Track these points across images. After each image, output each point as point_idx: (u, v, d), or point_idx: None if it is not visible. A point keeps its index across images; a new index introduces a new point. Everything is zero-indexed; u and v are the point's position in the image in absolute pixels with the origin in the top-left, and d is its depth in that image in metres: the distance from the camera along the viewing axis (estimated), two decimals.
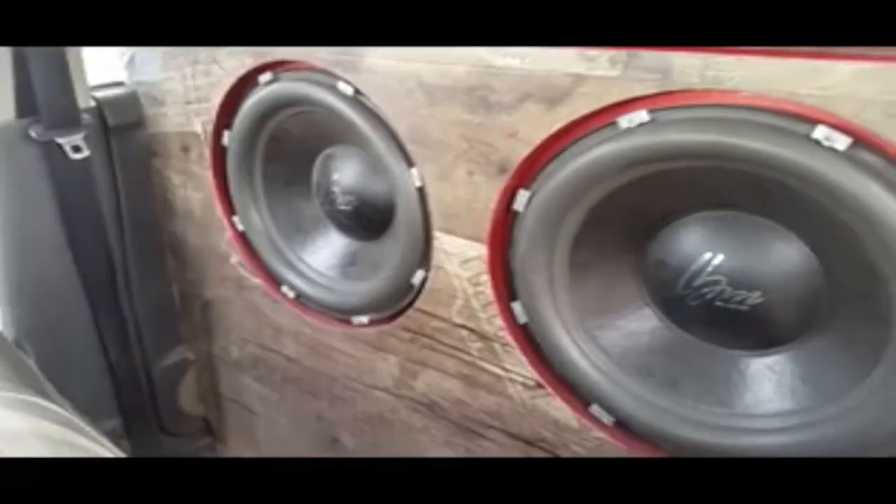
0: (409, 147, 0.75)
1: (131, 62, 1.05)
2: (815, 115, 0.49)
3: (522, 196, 0.67)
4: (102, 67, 1.07)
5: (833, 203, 0.50)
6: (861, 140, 0.48)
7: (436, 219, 0.75)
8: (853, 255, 0.51)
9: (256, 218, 0.99)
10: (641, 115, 0.57)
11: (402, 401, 0.89)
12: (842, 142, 0.48)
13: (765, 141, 0.51)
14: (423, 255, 0.78)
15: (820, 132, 0.48)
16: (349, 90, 0.79)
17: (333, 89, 0.80)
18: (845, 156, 0.48)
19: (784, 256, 0.57)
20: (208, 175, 1.01)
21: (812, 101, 0.48)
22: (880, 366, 0.52)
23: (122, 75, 1.07)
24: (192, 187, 1.06)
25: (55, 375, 0.74)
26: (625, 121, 0.58)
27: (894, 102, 0.45)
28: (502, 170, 0.67)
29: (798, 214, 0.55)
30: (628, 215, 0.64)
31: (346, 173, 0.91)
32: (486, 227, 0.70)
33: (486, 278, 0.72)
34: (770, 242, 0.58)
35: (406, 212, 0.78)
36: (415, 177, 0.76)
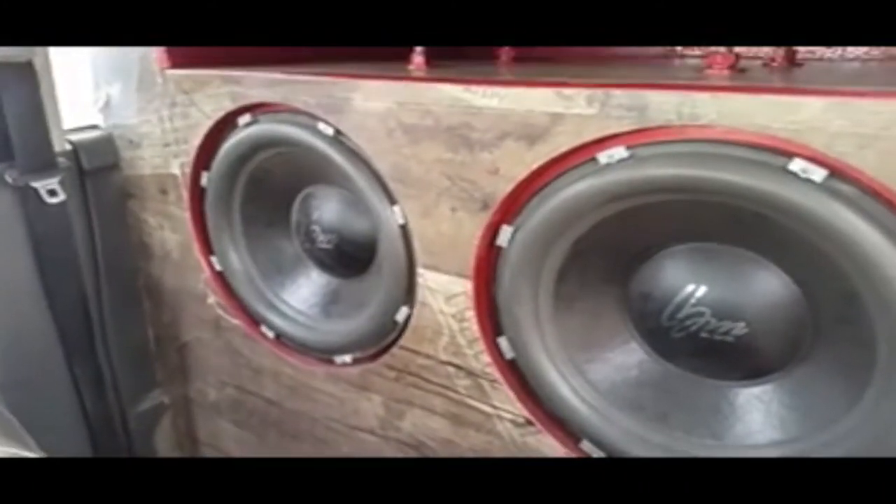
0: (392, 185, 0.76)
1: (107, 105, 1.04)
2: (791, 147, 0.50)
3: (506, 231, 0.67)
4: (77, 111, 1.06)
5: (811, 233, 0.51)
6: (836, 171, 0.49)
7: (419, 255, 0.75)
8: (833, 282, 0.52)
9: (235, 257, 0.98)
10: (620, 152, 0.58)
11: (388, 442, 0.88)
12: (818, 173, 0.49)
13: (743, 174, 0.52)
14: (407, 291, 0.78)
15: (796, 164, 0.50)
16: (330, 130, 0.79)
17: (314, 130, 0.81)
18: (822, 187, 0.49)
19: (766, 286, 0.58)
20: (186, 216, 1.01)
21: (786, 135, 0.50)
22: (869, 390, 0.53)
23: (97, 118, 1.06)
24: (170, 229, 1.05)
25: (29, 423, 0.73)
26: (604, 157, 0.59)
27: (865, 135, 0.46)
28: (485, 206, 0.68)
29: (777, 245, 0.56)
30: (611, 248, 0.64)
31: (326, 212, 0.91)
32: (470, 262, 0.70)
33: (471, 314, 0.72)
34: (752, 273, 0.59)
35: (389, 249, 0.78)
36: (397, 214, 0.76)
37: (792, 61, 0.83)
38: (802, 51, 0.98)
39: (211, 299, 1.02)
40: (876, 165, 0.47)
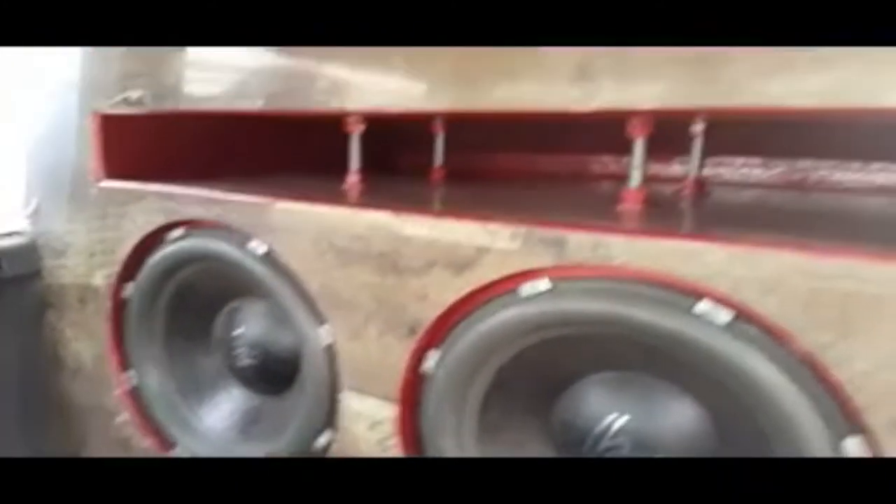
0: (321, 305, 0.76)
1: (36, 212, 1.03)
2: (698, 290, 0.53)
3: (432, 356, 0.68)
4: (4, 216, 1.04)
5: (719, 369, 0.53)
6: (741, 314, 0.52)
7: (345, 378, 0.74)
8: (742, 417, 0.54)
9: (152, 372, 0.95)
10: (542, 284, 0.60)
11: None
12: (723, 316, 0.52)
13: (653, 313, 0.54)
14: (330, 415, 0.77)
15: (703, 306, 0.53)
16: (261, 249, 0.80)
17: (245, 247, 0.81)
18: (727, 328, 0.52)
19: (681, 419, 0.60)
20: (105, 328, 0.98)
21: (693, 279, 0.53)
22: None
23: (23, 225, 1.04)
24: (86, 340, 1.01)
25: None
26: (527, 288, 0.61)
27: (765, 281, 0.50)
28: (412, 331, 0.68)
29: (689, 378, 0.58)
30: (533, 377, 0.65)
31: (251, 328, 0.90)
32: (396, 387, 0.70)
33: (395, 441, 0.71)
34: (667, 405, 0.61)
35: (313, 370, 0.77)
36: (324, 335, 0.76)
37: (701, 190, 0.88)
38: (709, 173, 1.05)
39: (122, 417, 0.98)
40: (777, 311, 0.50)
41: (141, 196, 0.90)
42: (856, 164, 1.00)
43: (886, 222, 0.71)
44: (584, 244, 0.57)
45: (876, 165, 0.99)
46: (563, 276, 0.60)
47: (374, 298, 0.71)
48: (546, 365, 0.64)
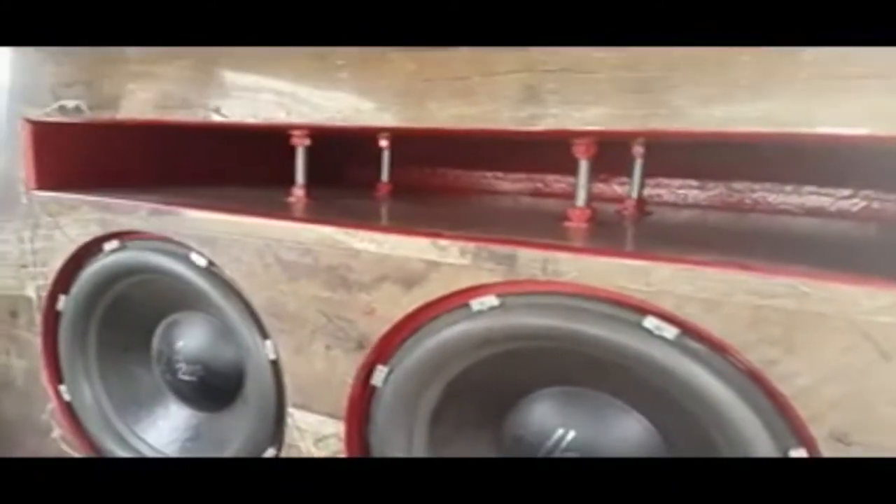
0: (265, 319, 0.74)
1: None
2: (645, 306, 0.54)
3: (381, 371, 0.68)
4: None
5: (666, 383, 0.54)
6: (687, 330, 0.53)
7: (290, 394, 0.73)
8: (689, 430, 0.56)
9: (87, 387, 0.92)
10: (491, 300, 0.61)
11: None
12: (670, 331, 0.53)
13: (601, 328, 0.55)
14: (275, 432, 0.75)
15: (650, 322, 0.54)
16: (202, 261, 0.78)
17: (186, 260, 0.79)
18: (674, 343, 0.53)
19: (629, 433, 0.61)
20: (37, 341, 0.94)
21: (640, 296, 0.54)
22: None
23: None
24: (17, 354, 0.97)
25: None
26: (476, 304, 0.62)
27: (708, 300, 0.51)
28: (360, 346, 0.68)
29: (637, 393, 0.60)
30: (484, 391, 0.66)
31: (191, 341, 0.88)
32: (343, 403, 0.69)
33: (342, 457, 0.70)
34: (616, 419, 0.62)
35: (257, 385, 0.75)
36: (269, 349, 0.75)
37: (642, 210, 0.91)
38: (649, 193, 1.09)
39: (56, 433, 0.94)
40: (722, 328, 0.51)
41: (75, 206, 0.87)
42: (789, 187, 1.05)
43: (819, 242, 0.74)
44: (534, 260, 0.58)
45: (808, 188, 1.04)
46: (512, 291, 0.60)
47: (322, 313, 0.70)
48: (496, 380, 0.65)
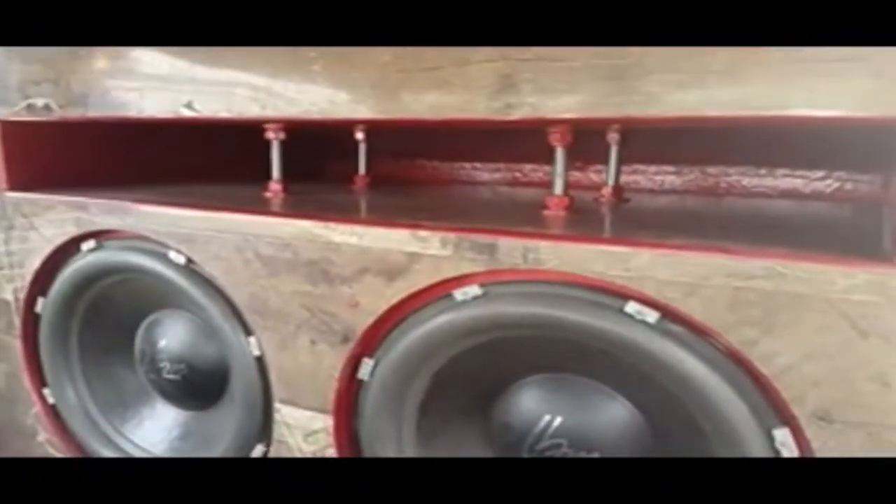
0: (248, 316, 0.74)
1: None
2: (626, 292, 0.55)
3: (367, 364, 0.68)
4: None
5: (649, 367, 0.55)
6: (668, 313, 0.54)
7: (276, 389, 0.73)
8: (674, 412, 0.57)
9: (71, 389, 0.91)
10: (474, 290, 0.61)
11: None
12: (651, 315, 0.54)
13: (583, 314, 0.56)
14: (263, 428, 0.75)
15: (631, 307, 0.55)
16: (181, 259, 0.77)
17: (164, 258, 0.78)
18: (655, 327, 0.54)
19: (615, 417, 0.62)
20: (17, 344, 0.93)
21: (620, 281, 0.55)
22: None
23: None
24: None
25: None
26: (459, 294, 0.62)
27: (688, 283, 0.52)
28: (345, 339, 0.68)
29: (621, 377, 0.60)
30: (470, 381, 0.66)
31: (174, 340, 0.87)
32: (330, 397, 0.69)
33: (332, 452, 0.70)
34: (601, 404, 0.62)
35: (243, 382, 0.75)
36: (253, 345, 0.74)
37: (619, 197, 0.92)
38: (626, 180, 1.09)
39: (41, 436, 0.93)
40: (701, 310, 0.52)
41: (50, 206, 0.86)
42: (763, 170, 1.06)
43: (795, 224, 0.75)
44: (515, 249, 0.58)
45: (781, 171, 1.05)
46: (494, 280, 0.61)
47: (305, 307, 0.70)
48: (482, 369, 0.65)
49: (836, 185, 1.02)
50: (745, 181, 1.08)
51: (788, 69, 0.49)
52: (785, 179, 1.05)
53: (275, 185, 0.91)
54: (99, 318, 0.90)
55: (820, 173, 1.02)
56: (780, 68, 0.49)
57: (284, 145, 0.90)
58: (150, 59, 0.78)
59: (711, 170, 1.10)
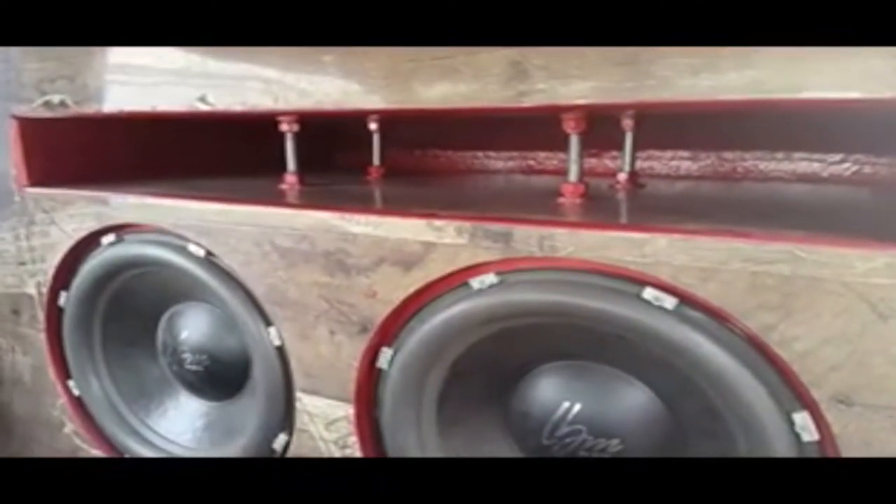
0: (267, 307, 0.75)
1: None
2: (643, 278, 0.55)
3: (386, 354, 0.68)
4: None
5: (667, 353, 0.55)
6: (685, 299, 0.54)
7: (297, 379, 0.74)
8: (693, 398, 0.57)
9: (95, 381, 0.93)
10: (491, 278, 0.62)
11: None
12: (669, 301, 0.54)
13: (601, 300, 0.56)
14: (285, 417, 0.76)
15: (649, 293, 0.55)
16: (201, 252, 0.78)
17: (184, 251, 0.79)
18: (673, 313, 0.54)
19: (635, 403, 0.62)
20: (41, 338, 0.95)
21: (637, 267, 0.55)
22: None
23: None
24: (22, 351, 0.98)
25: None
26: (476, 282, 0.62)
27: (705, 268, 0.52)
28: (364, 329, 0.69)
29: (639, 363, 0.60)
30: (489, 368, 0.67)
31: (195, 332, 0.88)
32: (350, 386, 0.70)
33: (354, 440, 0.71)
34: (620, 390, 0.62)
35: (265, 373, 0.76)
36: (273, 336, 0.75)
37: (635, 184, 0.91)
38: (641, 166, 1.09)
39: (67, 428, 0.95)
40: (718, 295, 0.52)
41: (69, 201, 0.87)
42: (780, 154, 1.06)
43: (811, 208, 0.75)
44: (531, 237, 0.59)
45: (798, 155, 1.04)
46: (510, 268, 0.61)
47: (323, 298, 0.71)
48: (500, 356, 0.65)
49: (855, 168, 1.01)
50: (762, 165, 1.07)
51: (802, 51, 0.48)
52: (802, 163, 1.04)
53: (290, 177, 0.92)
54: (121, 310, 0.91)
55: (838, 157, 1.01)
56: (794, 50, 0.49)
57: (299, 137, 0.91)
58: (163, 55, 0.78)
59: (728, 154, 1.09)
